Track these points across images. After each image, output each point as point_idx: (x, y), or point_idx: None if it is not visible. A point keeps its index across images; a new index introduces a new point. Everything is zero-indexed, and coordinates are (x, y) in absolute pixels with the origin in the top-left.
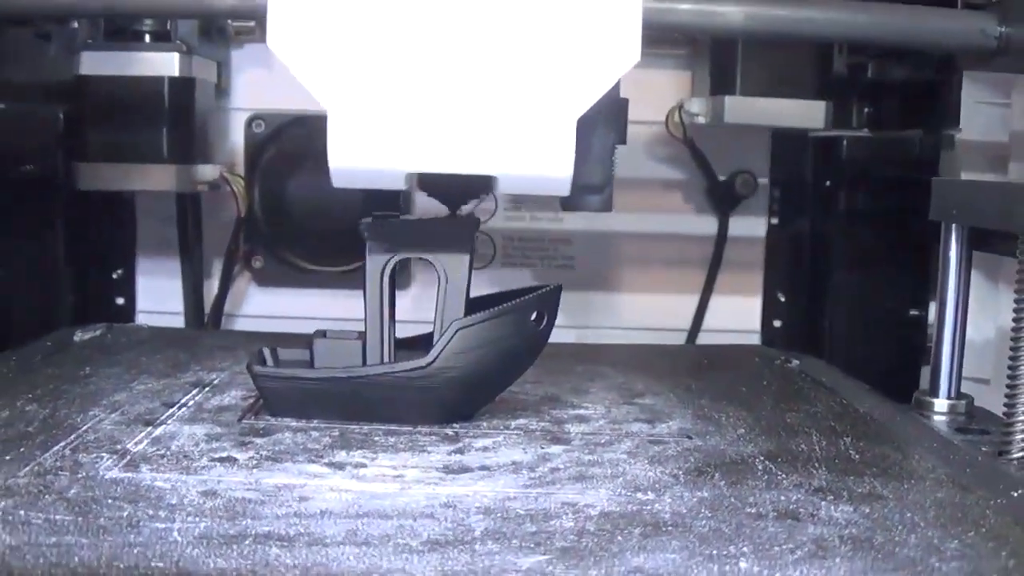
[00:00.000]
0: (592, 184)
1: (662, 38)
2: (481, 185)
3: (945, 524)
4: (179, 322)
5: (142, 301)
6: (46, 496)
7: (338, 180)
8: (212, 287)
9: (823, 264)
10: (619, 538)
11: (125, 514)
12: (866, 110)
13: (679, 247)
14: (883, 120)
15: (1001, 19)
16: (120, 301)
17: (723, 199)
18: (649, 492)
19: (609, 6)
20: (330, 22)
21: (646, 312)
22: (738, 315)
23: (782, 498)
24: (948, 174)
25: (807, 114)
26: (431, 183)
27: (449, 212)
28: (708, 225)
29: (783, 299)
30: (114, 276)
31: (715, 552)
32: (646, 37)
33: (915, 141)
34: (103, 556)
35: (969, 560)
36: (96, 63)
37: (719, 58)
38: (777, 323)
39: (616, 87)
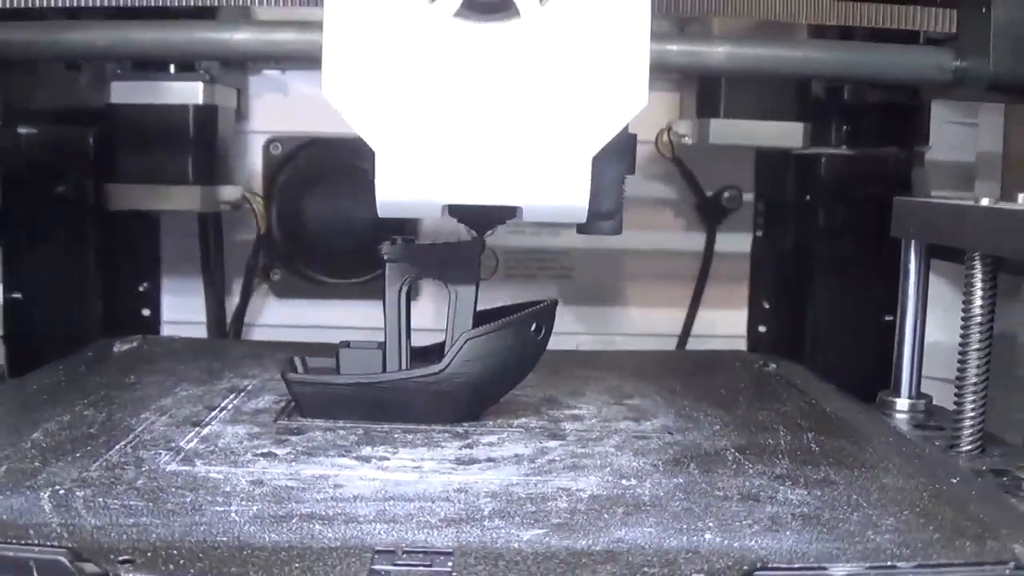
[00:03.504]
0: (604, 211)
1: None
2: (507, 213)
3: (885, 505)
4: (201, 332)
5: (166, 313)
6: (118, 486)
7: (384, 211)
8: (233, 299)
9: (805, 273)
10: (605, 516)
11: (188, 500)
12: (844, 128)
13: (670, 258)
14: (860, 138)
15: (956, 54)
16: (146, 313)
17: (711, 213)
18: (632, 479)
19: (620, 60)
20: (376, 74)
21: (640, 320)
22: (726, 322)
23: (746, 483)
24: (919, 189)
25: (787, 135)
26: (462, 211)
27: (478, 235)
28: (697, 238)
29: (768, 306)
30: (140, 289)
31: (685, 526)
32: None
33: (889, 158)
34: (175, 533)
35: (900, 533)
36: (125, 92)
37: (705, 83)
38: (762, 329)
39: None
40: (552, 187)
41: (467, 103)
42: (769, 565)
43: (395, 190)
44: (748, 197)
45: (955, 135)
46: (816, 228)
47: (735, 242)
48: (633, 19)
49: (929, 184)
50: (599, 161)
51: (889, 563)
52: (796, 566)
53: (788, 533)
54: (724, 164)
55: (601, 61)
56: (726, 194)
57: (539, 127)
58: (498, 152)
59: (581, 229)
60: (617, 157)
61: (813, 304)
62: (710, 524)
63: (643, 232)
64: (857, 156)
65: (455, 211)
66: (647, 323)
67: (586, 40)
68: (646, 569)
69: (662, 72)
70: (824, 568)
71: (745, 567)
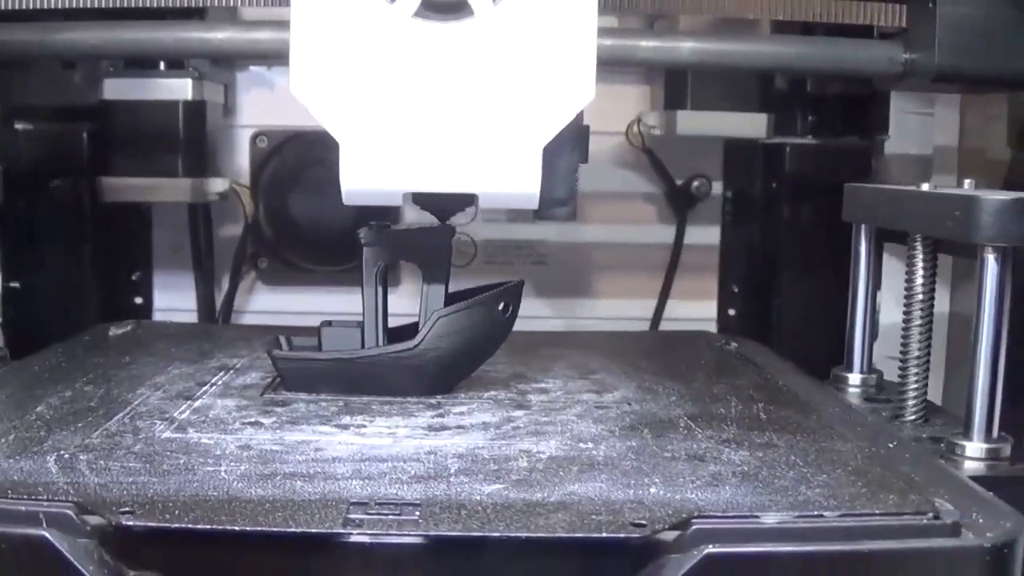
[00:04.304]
0: (558, 198)
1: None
2: (464, 200)
3: (820, 464)
4: (192, 319)
5: (158, 300)
6: (118, 451)
7: (348, 199)
8: (222, 287)
9: (771, 258)
10: (561, 473)
11: (182, 462)
12: (809, 118)
13: (642, 245)
14: (823, 128)
15: (906, 47)
16: (138, 300)
17: (681, 201)
18: (589, 442)
19: (569, 56)
20: (341, 72)
21: (612, 303)
22: (697, 305)
23: (694, 446)
24: (880, 176)
25: (751, 126)
26: (423, 199)
27: (439, 222)
28: (668, 225)
29: (736, 290)
30: (133, 278)
31: (633, 482)
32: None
33: (851, 147)
34: (170, 489)
35: (830, 488)
36: (118, 89)
37: (672, 76)
38: (731, 312)
39: (580, 115)
40: (506, 175)
41: (426, 97)
42: (706, 513)
43: (358, 179)
44: (717, 186)
45: (914, 125)
46: (782, 215)
47: (705, 229)
48: (580, 17)
49: (890, 171)
50: (552, 151)
51: (816, 512)
52: (730, 515)
53: (727, 488)
54: (693, 154)
55: (551, 57)
56: (695, 183)
57: (493, 119)
58: (455, 143)
59: (538, 215)
60: (570, 147)
61: (779, 288)
62: (656, 480)
63: (615, 220)
64: (820, 145)
65: (417, 199)
66: (620, 307)
67: (537, 37)
68: (594, 516)
69: (631, 66)
70: (756, 517)
71: (684, 515)
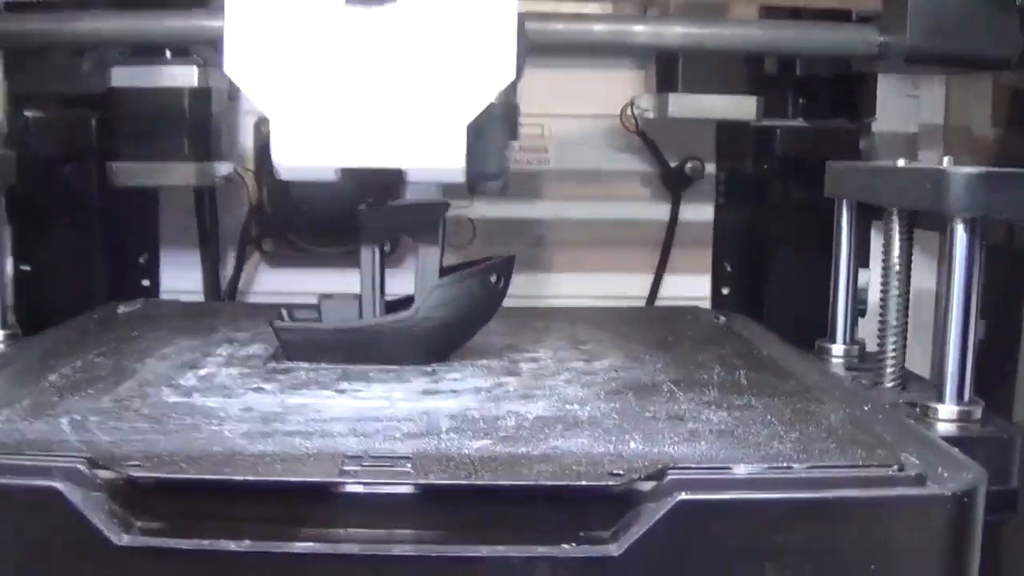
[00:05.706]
0: (488, 172)
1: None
2: (392, 176)
3: (794, 423)
4: (198, 299)
5: (165, 282)
6: (127, 413)
7: (282, 173)
8: (227, 268)
9: (763, 237)
10: (546, 431)
11: (188, 422)
12: (800, 101)
13: (638, 225)
14: (812, 110)
15: (880, 30)
16: (145, 282)
17: (675, 182)
18: (575, 404)
19: (490, 38)
20: (273, 53)
21: (609, 283)
22: (691, 283)
23: (675, 408)
24: (867, 157)
25: (741, 108)
26: (352, 174)
27: (371, 197)
28: (662, 206)
29: (730, 269)
30: (140, 261)
31: (614, 438)
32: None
33: (839, 129)
34: (176, 446)
35: (800, 442)
36: (125, 77)
37: (664, 60)
38: (725, 290)
39: (512, 95)
40: (431, 151)
41: (355, 78)
42: (680, 465)
43: (290, 155)
44: (710, 167)
45: (900, 107)
46: (773, 195)
47: (698, 209)
48: (502, 2)
49: (877, 152)
50: (483, 127)
51: (786, 464)
52: (704, 466)
53: (703, 443)
54: (687, 136)
55: (473, 40)
56: (689, 164)
57: (419, 99)
58: (383, 121)
59: (471, 188)
60: (500, 124)
61: (771, 265)
62: (636, 436)
63: (611, 201)
64: (810, 127)
65: (347, 174)
66: (616, 287)
67: (459, 21)
68: (575, 467)
69: (623, 50)
70: (728, 468)
71: (659, 466)
